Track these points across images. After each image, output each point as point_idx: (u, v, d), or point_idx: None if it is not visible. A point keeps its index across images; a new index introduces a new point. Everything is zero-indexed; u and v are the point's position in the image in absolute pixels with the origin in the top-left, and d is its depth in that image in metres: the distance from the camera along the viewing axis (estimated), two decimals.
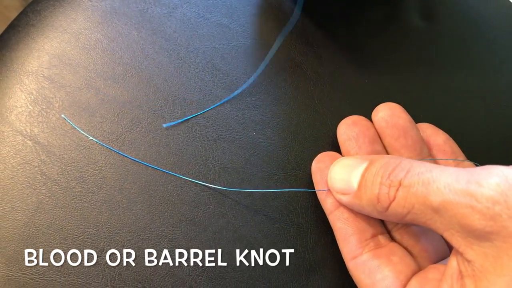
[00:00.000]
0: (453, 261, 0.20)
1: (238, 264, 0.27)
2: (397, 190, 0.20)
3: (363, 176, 0.22)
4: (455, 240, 0.19)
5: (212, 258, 0.27)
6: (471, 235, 0.18)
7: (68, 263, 0.26)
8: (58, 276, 0.26)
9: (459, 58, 0.33)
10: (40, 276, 0.26)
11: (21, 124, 0.28)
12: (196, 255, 0.27)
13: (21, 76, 0.29)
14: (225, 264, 0.27)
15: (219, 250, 0.27)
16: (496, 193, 0.17)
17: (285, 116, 0.30)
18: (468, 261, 0.19)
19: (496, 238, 0.17)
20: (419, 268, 0.23)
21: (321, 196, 0.26)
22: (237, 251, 0.27)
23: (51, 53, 0.30)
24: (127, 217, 0.27)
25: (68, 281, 0.26)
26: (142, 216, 0.27)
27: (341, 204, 0.25)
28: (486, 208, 0.17)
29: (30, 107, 0.29)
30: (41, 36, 0.30)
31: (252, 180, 0.28)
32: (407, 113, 0.27)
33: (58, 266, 0.26)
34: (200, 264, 0.26)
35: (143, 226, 0.27)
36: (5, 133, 0.28)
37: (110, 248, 0.26)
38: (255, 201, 0.28)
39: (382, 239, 0.24)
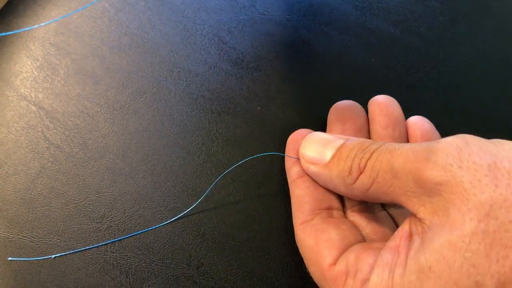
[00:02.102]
0: (405, 225, 0.20)
1: (237, 235, 0.27)
2: (368, 160, 0.21)
3: (338, 149, 0.23)
4: (410, 202, 0.19)
5: (213, 229, 0.27)
6: (424, 191, 0.18)
7: (69, 228, 0.26)
8: (58, 240, 0.26)
9: (468, 37, 0.33)
10: (40, 239, 0.26)
11: (26, 89, 0.28)
12: (196, 225, 0.27)
13: (28, 42, 0.29)
14: (225, 235, 0.27)
15: (220, 221, 0.27)
16: (451, 147, 0.18)
17: (290, 92, 0.30)
18: (419, 220, 0.19)
19: (445, 190, 0.18)
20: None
21: (288, 164, 0.26)
22: (238, 222, 0.27)
23: (58, 20, 0.30)
24: (129, 185, 0.27)
25: (68, 245, 0.26)
26: (144, 184, 0.27)
27: (306, 174, 0.25)
28: (440, 159, 0.18)
29: (35, 72, 0.29)
30: (49, 3, 0.30)
31: (255, 153, 0.28)
32: (401, 108, 0.27)
33: (59, 231, 0.26)
34: (200, 234, 0.26)
35: (144, 194, 0.27)
36: (10, 98, 0.28)
37: (111, 215, 0.26)
38: (256, 175, 0.28)
39: (336, 213, 0.25)
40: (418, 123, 0.26)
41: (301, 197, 0.25)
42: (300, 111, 0.29)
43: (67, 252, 0.26)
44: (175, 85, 0.29)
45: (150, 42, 0.30)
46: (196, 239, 0.26)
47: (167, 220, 0.26)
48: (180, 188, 0.27)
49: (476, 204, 0.17)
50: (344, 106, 0.27)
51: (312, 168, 0.24)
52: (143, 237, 0.26)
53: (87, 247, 0.26)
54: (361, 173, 0.21)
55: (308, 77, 0.30)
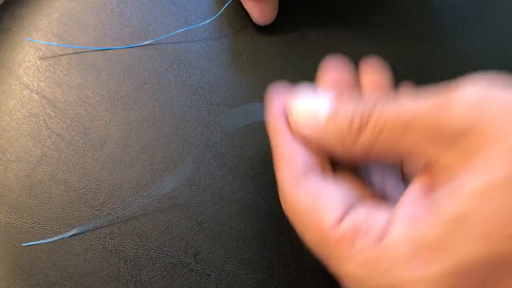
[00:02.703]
0: (419, 178, 0.18)
1: (234, 224, 0.27)
2: (370, 112, 0.18)
3: (334, 107, 0.20)
4: (427, 152, 0.17)
5: (210, 218, 0.27)
6: (444, 140, 0.17)
7: (68, 214, 0.27)
8: (58, 227, 0.26)
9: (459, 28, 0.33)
10: (40, 225, 0.26)
11: (29, 78, 0.29)
12: (194, 214, 0.27)
13: (31, 32, 0.30)
14: (222, 224, 0.27)
15: (217, 211, 0.27)
16: (472, 92, 0.16)
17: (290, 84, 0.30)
18: (443, 167, 0.17)
19: (468, 135, 0.16)
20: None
21: (271, 119, 0.22)
22: (235, 211, 0.27)
23: (61, 11, 0.30)
24: (128, 174, 0.28)
25: (68, 232, 0.26)
26: (144, 173, 0.28)
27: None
28: (460, 105, 0.16)
29: (38, 62, 0.29)
30: None
31: (253, 145, 0.29)
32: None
33: (58, 218, 0.27)
34: (198, 223, 0.27)
35: (144, 183, 0.27)
36: (13, 86, 0.29)
37: (111, 203, 0.27)
38: (254, 165, 0.28)
39: (328, 167, 0.22)
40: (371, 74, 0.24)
41: (292, 150, 0.20)
42: None
43: (80, 231, 0.26)
44: (176, 76, 0.30)
45: (152, 34, 0.30)
46: (194, 227, 0.27)
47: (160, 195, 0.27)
48: (170, 172, 0.28)
49: (507, 148, 0.15)
50: (333, 63, 0.24)
51: (306, 132, 0.20)
52: (141, 224, 0.27)
53: (86, 233, 0.26)
54: (362, 131, 0.19)
55: (308, 71, 0.30)
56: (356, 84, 0.24)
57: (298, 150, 0.20)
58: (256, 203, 0.28)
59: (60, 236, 0.26)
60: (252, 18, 0.29)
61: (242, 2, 0.28)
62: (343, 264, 0.17)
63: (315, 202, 0.19)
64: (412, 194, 0.18)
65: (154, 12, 0.31)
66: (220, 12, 0.29)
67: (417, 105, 0.17)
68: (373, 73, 0.24)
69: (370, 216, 0.18)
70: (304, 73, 0.30)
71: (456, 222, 0.15)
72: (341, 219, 0.18)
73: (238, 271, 0.26)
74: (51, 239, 0.26)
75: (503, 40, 0.32)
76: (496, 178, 0.15)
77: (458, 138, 0.16)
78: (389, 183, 0.22)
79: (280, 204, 0.27)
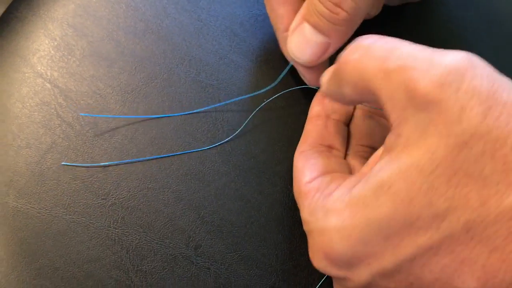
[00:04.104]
0: (379, 151, 0.21)
1: (235, 220, 0.28)
2: (359, 53, 0.20)
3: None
4: (394, 112, 0.18)
5: (212, 213, 0.28)
6: (413, 104, 0.18)
7: (75, 202, 0.27)
8: (64, 213, 0.27)
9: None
10: (47, 211, 0.27)
11: (42, 67, 0.30)
12: (197, 208, 0.28)
13: (47, 22, 0.31)
14: (223, 219, 0.28)
15: (220, 206, 0.28)
16: (456, 65, 0.17)
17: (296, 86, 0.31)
18: (397, 135, 0.18)
19: (434, 108, 0.17)
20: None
21: (312, 103, 0.27)
22: (237, 208, 0.28)
23: (77, 3, 0.31)
24: (135, 166, 0.28)
25: (73, 218, 0.27)
26: (150, 166, 0.28)
27: (323, 115, 0.27)
28: (439, 75, 0.17)
29: (52, 52, 0.30)
30: None
31: (259, 144, 0.29)
32: None
33: (65, 205, 0.27)
34: (200, 217, 0.28)
35: (149, 175, 0.28)
36: (27, 74, 0.29)
37: (116, 193, 0.28)
38: (259, 164, 0.29)
39: (335, 152, 0.26)
40: None
41: (309, 131, 0.26)
42: (307, 104, 0.30)
43: (118, 162, 0.27)
44: (186, 72, 0.30)
45: (164, 30, 0.31)
46: (196, 221, 0.27)
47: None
48: (184, 171, 0.28)
49: (458, 131, 0.16)
50: None
51: (324, 87, 0.24)
52: (145, 216, 0.27)
53: (91, 221, 0.27)
54: (349, 63, 0.20)
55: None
56: None
57: (314, 132, 0.26)
58: (258, 201, 0.28)
59: (97, 164, 0.28)
60: (305, 81, 0.29)
61: (294, 65, 0.28)
62: (303, 210, 0.23)
63: (303, 167, 0.24)
64: (367, 166, 0.21)
65: (168, 8, 0.31)
66: (280, 77, 0.29)
67: (403, 59, 0.18)
68: None
69: (332, 180, 0.22)
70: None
71: (383, 189, 0.18)
72: (313, 180, 0.23)
73: (237, 266, 0.27)
74: (88, 165, 0.28)
75: (506, 56, 0.32)
76: (434, 156, 0.17)
77: (422, 108, 0.17)
78: None
79: (281, 204, 0.28)
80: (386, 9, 0.31)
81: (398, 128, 0.18)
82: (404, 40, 0.19)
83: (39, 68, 0.30)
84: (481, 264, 0.17)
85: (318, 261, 0.21)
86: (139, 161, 0.28)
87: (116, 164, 0.28)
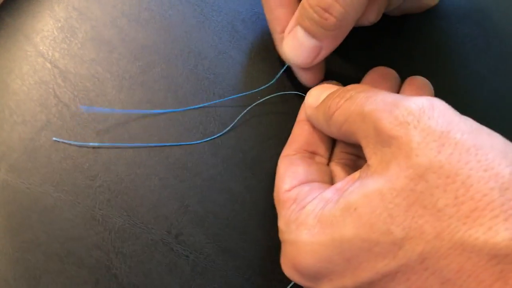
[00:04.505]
0: (357, 172, 0.22)
1: (219, 212, 0.28)
2: (346, 100, 0.23)
3: (329, 94, 0.25)
4: (367, 147, 0.21)
5: (197, 203, 0.28)
6: (379, 140, 0.20)
7: (64, 181, 0.28)
8: (52, 191, 0.28)
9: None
10: (36, 187, 0.28)
11: (44, 47, 0.30)
12: (182, 197, 0.28)
13: (53, 3, 0.31)
14: (207, 210, 0.28)
15: (205, 197, 0.28)
16: (416, 107, 0.19)
17: (292, 87, 0.31)
18: (368, 166, 0.20)
19: (395, 144, 0.19)
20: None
21: (302, 107, 0.28)
22: (221, 200, 0.28)
23: None
24: (125, 151, 0.29)
25: (60, 196, 0.28)
26: (140, 152, 0.29)
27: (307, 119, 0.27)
28: (400, 115, 0.19)
29: (55, 33, 0.31)
30: None
31: (249, 140, 0.30)
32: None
33: (54, 182, 0.28)
34: (184, 206, 0.28)
35: (138, 161, 0.29)
36: (28, 53, 0.30)
37: (104, 175, 0.28)
38: (247, 160, 0.29)
39: (318, 158, 0.27)
40: (416, 80, 0.27)
41: (296, 135, 0.27)
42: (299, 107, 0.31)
43: (110, 144, 0.27)
44: (184, 64, 0.31)
45: (167, 21, 0.31)
46: (180, 210, 0.28)
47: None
48: (173, 160, 0.29)
49: (414, 164, 0.18)
50: (379, 72, 0.28)
51: (309, 112, 0.26)
52: (130, 200, 0.28)
53: (78, 201, 0.28)
54: (337, 109, 0.23)
55: None
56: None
57: (300, 137, 0.27)
58: (243, 196, 0.29)
59: (86, 143, 0.28)
60: (300, 81, 0.30)
61: (290, 66, 0.29)
62: (280, 218, 0.24)
63: (284, 173, 0.25)
64: (342, 182, 0.22)
65: (173, 0, 0.32)
66: (276, 77, 0.30)
67: (375, 104, 0.21)
68: (415, 88, 0.27)
69: (309, 192, 0.23)
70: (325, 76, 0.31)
71: (349, 211, 0.19)
72: (292, 188, 0.24)
73: (216, 256, 0.27)
74: (78, 143, 0.28)
75: (505, 72, 0.33)
76: (394, 187, 0.18)
77: (386, 143, 0.19)
78: None
79: (265, 200, 0.29)
80: (386, 19, 0.32)
81: (369, 160, 0.21)
82: (382, 91, 0.22)
83: (41, 48, 0.30)
84: None
85: (287, 270, 0.23)
86: (129, 147, 0.29)
87: (107, 147, 0.29)
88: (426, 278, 0.18)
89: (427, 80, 0.27)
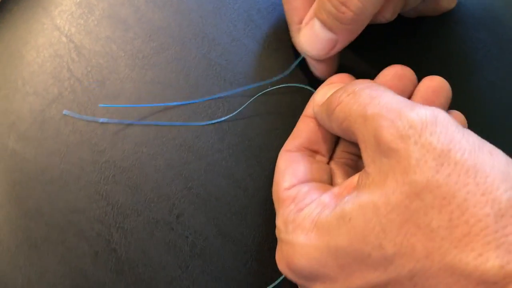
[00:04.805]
0: (355, 177, 0.22)
1: (221, 196, 0.28)
2: (348, 95, 0.22)
3: (335, 91, 0.24)
4: (366, 153, 0.21)
5: (200, 186, 0.28)
6: (379, 149, 0.19)
7: (71, 154, 0.28)
8: (58, 162, 0.28)
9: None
10: (43, 157, 0.28)
11: (62, 21, 0.31)
12: (186, 179, 0.29)
13: None
14: (209, 193, 0.28)
15: (208, 181, 0.29)
16: (419, 120, 0.19)
17: (303, 78, 0.31)
18: (366, 174, 0.20)
19: (394, 157, 0.19)
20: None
21: (310, 102, 0.28)
22: (224, 185, 0.29)
23: None
24: (133, 129, 0.29)
25: (66, 168, 0.28)
26: (147, 131, 0.29)
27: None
28: (402, 127, 0.19)
29: (73, 8, 0.31)
30: None
31: (255, 128, 0.30)
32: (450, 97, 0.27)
33: (61, 154, 0.28)
34: (187, 188, 0.28)
35: (145, 140, 0.29)
36: (45, 25, 0.31)
37: (111, 151, 0.28)
38: (253, 147, 0.30)
39: (319, 157, 0.27)
40: (434, 81, 0.26)
41: (300, 131, 0.27)
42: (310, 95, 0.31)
43: (118, 121, 0.28)
44: (197, 48, 0.31)
45: (184, 4, 0.32)
46: (182, 191, 0.28)
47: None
48: (179, 142, 0.29)
49: (411, 182, 0.18)
50: (394, 71, 0.27)
51: (315, 109, 0.26)
52: (135, 177, 0.28)
53: (82, 174, 0.28)
54: (338, 104, 0.22)
55: None
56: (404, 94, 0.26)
57: (304, 134, 0.26)
58: (245, 182, 0.29)
59: (96, 119, 0.29)
60: (314, 73, 0.30)
61: (304, 57, 0.29)
62: (278, 216, 0.24)
63: (284, 170, 0.25)
64: (341, 188, 0.22)
65: None
66: (291, 69, 0.30)
67: (379, 109, 0.20)
68: (431, 91, 0.26)
69: (308, 192, 0.23)
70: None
71: (344, 220, 0.20)
72: (292, 187, 0.24)
73: (214, 239, 0.28)
74: (88, 117, 0.29)
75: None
76: (389, 201, 0.18)
77: (385, 154, 0.19)
78: None
79: (267, 189, 0.29)
80: (402, 20, 0.32)
81: (368, 168, 0.20)
82: (388, 91, 0.22)
83: (58, 22, 0.31)
84: None
85: (281, 267, 0.23)
86: (138, 125, 0.29)
87: (116, 124, 0.29)
88: None
89: (445, 82, 0.26)
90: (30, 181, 0.28)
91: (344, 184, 0.23)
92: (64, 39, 0.30)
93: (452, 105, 0.29)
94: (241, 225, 0.28)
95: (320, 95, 0.26)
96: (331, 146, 0.27)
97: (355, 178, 0.22)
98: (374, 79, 0.28)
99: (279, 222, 0.24)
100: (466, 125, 0.27)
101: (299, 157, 0.25)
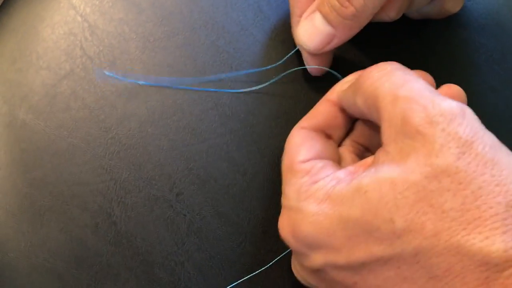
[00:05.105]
0: (369, 158, 0.23)
1: (220, 178, 0.29)
2: (380, 72, 0.23)
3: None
4: (388, 131, 0.21)
5: (200, 167, 0.29)
6: (404, 129, 0.20)
7: (78, 128, 0.29)
8: (66, 135, 0.29)
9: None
10: (52, 130, 0.29)
11: (77, 1, 0.32)
12: (187, 160, 0.30)
13: None
14: (209, 175, 0.29)
15: (209, 163, 0.30)
16: (450, 110, 0.20)
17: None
18: (385, 152, 0.21)
19: (419, 139, 0.20)
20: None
21: (334, 87, 0.28)
22: (224, 168, 0.30)
23: None
24: (140, 108, 0.30)
25: (74, 142, 0.29)
26: (153, 111, 0.30)
27: (339, 103, 0.27)
28: (433, 114, 0.20)
29: None
30: None
31: (258, 115, 0.31)
32: None
33: (69, 128, 0.29)
34: (188, 168, 0.29)
35: (151, 120, 0.30)
36: (61, 4, 0.32)
37: (117, 128, 0.30)
38: (253, 134, 0.31)
39: (332, 142, 0.27)
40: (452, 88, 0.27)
41: (318, 112, 0.27)
42: (310, 88, 0.32)
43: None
44: (206, 35, 0.32)
45: None
46: (184, 171, 0.29)
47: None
48: (183, 124, 0.30)
49: (432, 164, 0.19)
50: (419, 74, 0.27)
51: (341, 90, 0.26)
52: (139, 155, 0.29)
53: (89, 148, 0.29)
54: (368, 79, 0.23)
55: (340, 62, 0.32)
56: None
57: (321, 117, 0.27)
58: (245, 167, 0.30)
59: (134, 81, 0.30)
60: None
61: (299, 49, 0.30)
62: (289, 185, 0.24)
63: (300, 144, 0.25)
64: (355, 166, 0.23)
65: None
66: (284, 59, 0.31)
67: (411, 92, 0.21)
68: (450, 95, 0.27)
69: (323, 168, 0.24)
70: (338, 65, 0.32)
71: (359, 193, 0.20)
72: (307, 161, 0.24)
73: (211, 219, 0.29)
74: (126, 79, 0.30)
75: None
76: (406, 179, 0.19)
77: (409, 135, 0.20)
78: None
79: (264, 175, 0.30)
80: (407, 21, 0.33)
81: (388, 146, 0.21)
82: (420, 79, 0.23)
83: (74, 1, 0.32)
84: (419, 286, 0.19)
85: (284, 233, 0.24)
86: (144, 105, 0.30)
87: (124, 103, 0.30)
88: (416, 270, 0.19)
89: (462, 92, 0.27)
90: (38, 151, 0.29)
91: (360, 163, 0.23)
92: (79, 18, 0.31)
93: None
94: (237, 207, 0.29)
95: (350, 77, 0.27)
96: (343, 135, 0.28)
97: (369, 158, 0.23)
98: None
99: (289, 190, 0.24)
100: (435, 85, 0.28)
101: (315, 135, 0.26)
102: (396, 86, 0.22)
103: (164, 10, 0.32)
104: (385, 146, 0.21)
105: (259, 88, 0.31)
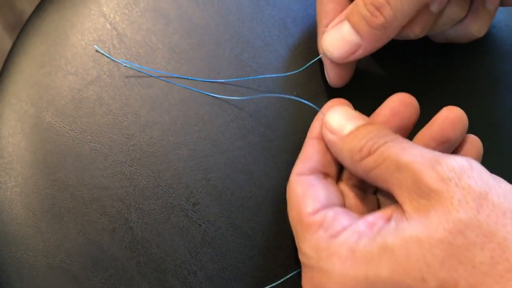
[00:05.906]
0: (388, 209, 0.23)
1: (236, 190, 0.30)
2: (380, 146, 0.23)
3: (358, 128, 0.25)
4: (401, 195, 0.22)
5: (218, 178, 0.30)
6: (418, 191, 0.21)
7: (102, 133, 0.30)
8: (89, 140, 0.30)
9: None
10: (76, 134, 0.30)
11: (108, 9, 0.33)
12: (205, 170, 0.30)
13: None
14: (226, 186, 0.30)
15: (226, 175, 0.30)
16: (458, 166, 0.21)
17: (331, 89, 0.33)
18: (403, 211, 0.21)
19: (435, 198, 0.20)
20: None
21: (314, 122, 0.28)
22: (240, 180, 0.30)
23: None
24: (162, 117, 0.31)
25: (96, 147, 0.30)
26: (175, 121, 0.31)
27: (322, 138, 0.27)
28: (443, 171, 0.20)
29: None
30: None
31: (277, 131, 0.31)
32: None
33: (93, 133, 0.30)
34: (206, 179, 0.30)
35: (172, 129, 0.31)
36: (92, 11, 0.32)
37: (139, 136, 0.30)
38: (272, 148, 0.31)
39: (329, 180, 0.27)
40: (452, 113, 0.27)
41: (309, 154, 0.26)
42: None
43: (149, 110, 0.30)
44: (231, 49, 0.33)
45: (224, 6, 0.33)
46: (201, 181, 0.30)
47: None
48: (204, 135, 0.31)
49: (455, 219, 0.19)
50: (401, 98, 0.27)
51: (329, 136, 0.26)
52: (158, 163, 0.30)
53: (105, 151, 0.30)
54: (369, 155, 0.23)
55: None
56: (409, 125, 0.27)
57: (315, 156, 0.26)
58: (261, 181, 0.30)
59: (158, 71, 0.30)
60: (327, 79, 0.31)
61: (322, 59, 0.30)
62: (304, 242, 0.23)
63: (303, 194, 0.25)
64: (375, 217, 0.23)
65: None
66: (305, 67, 0.31)
67: (414, 156, 0.22)
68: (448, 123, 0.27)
69: (335, 218, 0.23)
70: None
71: (386, 252, 0.20)
72: (316, 212, 0.24)
73: (225, 231, 0.29)
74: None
75: None
76: (432, 236, 0.19)
77: (425, 195, 0.21)
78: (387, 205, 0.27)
79: (281, 190, 0.30)
80: (430, 44, 0.33)
81: (404, 206, 0.21)
82: (415, 144, 0.23)
83: (104, 9, 0.33)
84: None
85: None
86: (167, 114, 0.31)
87: (147, 111, 0.31)
88: None
89: (463, 114, 0.26)
90: (61, 153, 0.30)
91: (377, 214, 0.23)
92: (108, 26, 0.32)
93: (473, 133, 0.29)
94: (252, 220, 0.30)
95: (336, 123, 0.26)
96: (338, 168, 0.27)
97: (388, 210, 0.23)
98: (381, 105, 0.28)
99: (306, 248, 0.23)
100: (482, 150, 0.28)
101: (315, 180, 0.25)
102: (396, 155, 0.22)
103: (191, 23, 0.33)
104: (401, 205, 0.22)
105: (278, 97, 0.32)
